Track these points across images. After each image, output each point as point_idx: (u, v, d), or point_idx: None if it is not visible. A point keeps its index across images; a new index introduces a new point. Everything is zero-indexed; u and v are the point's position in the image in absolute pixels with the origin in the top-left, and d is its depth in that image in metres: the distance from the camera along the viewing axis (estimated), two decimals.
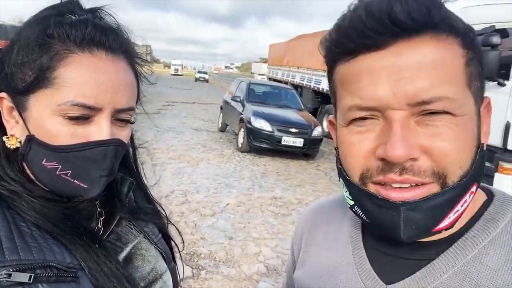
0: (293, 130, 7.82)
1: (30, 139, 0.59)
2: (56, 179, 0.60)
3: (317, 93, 13.15)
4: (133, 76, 0.65)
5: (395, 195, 0.47)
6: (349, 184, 0.53)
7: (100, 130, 0.59)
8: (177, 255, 0.85)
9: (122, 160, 0.77)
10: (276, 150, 8.03)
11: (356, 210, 0.54)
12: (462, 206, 0.48)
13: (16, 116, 0.61)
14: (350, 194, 0.54)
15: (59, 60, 0.57)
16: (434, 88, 0.44)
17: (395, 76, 0.45)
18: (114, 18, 0.65)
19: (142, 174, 0.82)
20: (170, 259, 0.78)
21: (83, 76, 0.57)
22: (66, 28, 0.58)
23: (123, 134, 0.63)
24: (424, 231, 0.48)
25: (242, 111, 8.51)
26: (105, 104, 0.58)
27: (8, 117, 0.62)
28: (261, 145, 7.85)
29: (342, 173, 0.54)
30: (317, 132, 8.04)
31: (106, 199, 0.72)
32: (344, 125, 0.51)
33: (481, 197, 0.55)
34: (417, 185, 0.46)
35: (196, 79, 45.14)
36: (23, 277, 0.51)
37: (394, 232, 0.48)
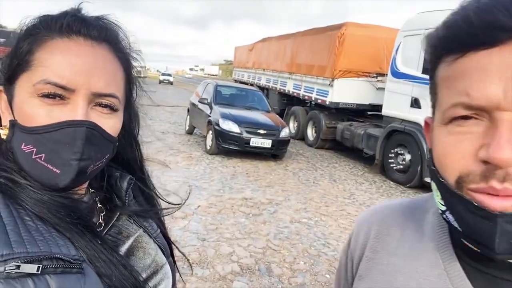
0: (261, 131, 7.91)
1: (14, 124, 0.61)
2: (32, 164, 0.60)
3: (283, 95, 13.35)
4: (117, 65, 0.65)
5: (494, 203, 0.43)
6: (443, 187, 0.48)
7: (74, 111, 0.59)
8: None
9: (126, 159, 0.78)
10: (245, 152, 8.09)
11: (447, 217, 0.49)
12: None
13: (9, 108, 0.63)
14: (442, 199, 0.49)
15: (38, 44, 0.60)
16: None
17: (507, 74, 0.41)
18: (107, 21, 0.67)
19: (148, 177, 0.83)
20: (168, 254, 0.80)
21: (57, 57, 0.59)
22: (49, 19, 0.62)
23: (106, 123, 0.63)
24: None
25: (210, 113, 8.50)
26: (78, 85, 0.59)
27: (4, 110, 0.64)
28: (230, 147, 7.88)
29: (436, 175, 0.49)
30: (284, 133, 8.17)
31: (106, 195, 0.74)
32: (443, 124, 0.48)
33: None
34: None
35: (160, 82, 44.31)
36: (31, 269, 0.51)
37: (487, 244, 0.43)
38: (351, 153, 9.99)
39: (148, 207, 0.81)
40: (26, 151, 0.59)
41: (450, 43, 0.46)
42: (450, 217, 0.48)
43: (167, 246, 0.81)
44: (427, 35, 0.51)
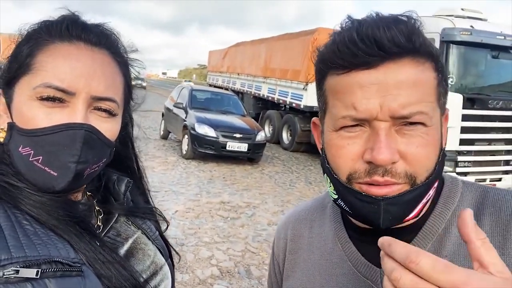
0: (237, 135, 7.93)
1: (12, 126, 0.61)
2: (30, 167, 0.60)
3: (258, 99, 13.42)
4: (116, 70, 0.66)
5: (375, 191, 0.54)
6: (336, 181, 0.59)
7: (73, 114, 0.59)
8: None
9: (124, 165, 0.79)
10: (221, 156, 8.08)
11: (339, 203, 0.61)
12: (426, 199, 0.57)
13: (8, 111, 0.63)
14: (334, 189, 0.60)
15: (38, 48, 0.61)
16: (412, 105, 0.52)
17: (382, 92, 0.52)
18: (106, 28, 0.68)
19: (145, 179, 0.84)
20: (167, 255, 0.80)
21: (58, 61, 0.60)
22: (49, 24, 0.63)
23: (104, 126, 0.63)
24: (397, 220, 0.56)
25: (186, 117, 8.45)
26: (79, 88, 0.59)
27: (2, 112, 0.64)
28: (206, 151, 7.86)
29: (330, 172, 0.60)
30: (260, 136, 8.23)
31: (104, 198, 0.74)
32: (334, 130, 0.57)
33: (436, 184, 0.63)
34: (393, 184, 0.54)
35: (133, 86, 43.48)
36: (31, 273, 0.51)
37: (374, 221, 0.55)
38: None
39: (146, 208, 0.82)
40: (24, 153, 0.59)
41: (336, 61, 0.55)
42: (342, 203, 0.60)
43: (166, 248, 0.81)
44: (318, 50, 0.60)
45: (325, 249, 0.70)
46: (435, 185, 0.59)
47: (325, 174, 0.62)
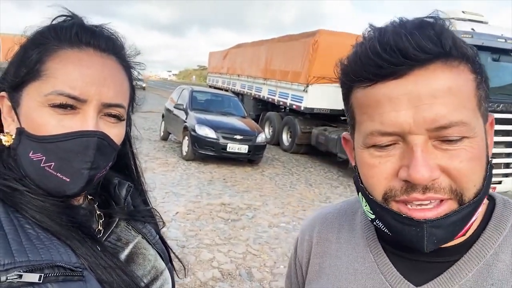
0: (238, 137, 7.92)
1: (21, 131, 0.61)
2: (40, 172, 0.60)
3: (258, 100, 13.42)
4: (123, 76, 0.67)
5: (417, 214, 0.50)
6: (371, 201, 0.55)
7: (84, 121, 0.60)
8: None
9: (122, 164, 0.79)
10: (221, 157, 8.08)
11: (377, 224, 0.57)
12: (475, 217, 0.53)
13: (13, 114, 0.63)
14: (371, 209, 0.56)
15: (48, 54, 0.61)
16: (451, 114, 0.47)
17: (414, 103, 0.48)
18: (109, 31, 0.68)
19: (142, 179, 0.84)
20: (167, 260, 0.80)
21: (68, 68, 0.60)
22: (58, 28, 0.63)
23: (112, 131, 0.64)
24: (444, 242, 0.52)
25: (186, 119, 8.44)
26: (90, 95, 0.60)
27: (7, 115, 0.64)
28: (207, 153, 7.85)
29: (365, 192, 0.56)
30: (261, 138, 8.23)
31: (105, 202, 0.74)
32: (365, 147, 0.53)
33: (484, 201, 0.58)
34: (440, 201, 0.50)
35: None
36: (33, 278, 0.52)
37: (417, 245, 0.51)
38: (325, 158, 10.16)
39: (146, 210, 0.82)
40: (35, 159, 0.60)
41: (360, 74, 0.51)
42: (380, 224, 0.56)
43: (166, 252, 0.81)
44: (339, 62, 0.56)
45: (354, 257, 0.66)
46: (484, 201, 0.54)
47: (360, 192, 0.59)
